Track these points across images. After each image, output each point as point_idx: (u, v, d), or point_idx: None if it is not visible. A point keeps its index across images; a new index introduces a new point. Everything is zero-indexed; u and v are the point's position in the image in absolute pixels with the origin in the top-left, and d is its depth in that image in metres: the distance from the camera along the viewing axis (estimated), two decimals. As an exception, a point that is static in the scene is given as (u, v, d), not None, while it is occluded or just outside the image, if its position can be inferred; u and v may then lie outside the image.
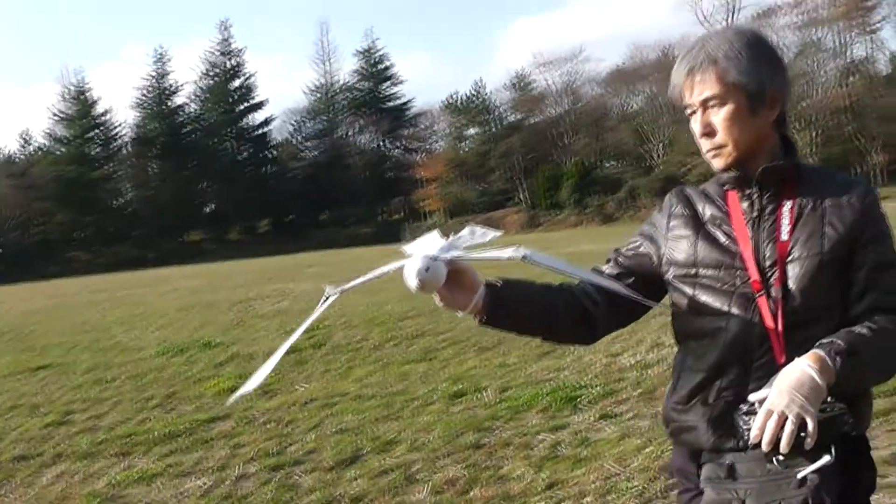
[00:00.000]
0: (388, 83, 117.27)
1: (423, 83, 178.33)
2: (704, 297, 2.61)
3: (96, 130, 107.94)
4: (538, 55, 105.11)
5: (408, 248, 2.45)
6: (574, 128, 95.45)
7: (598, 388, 9.07)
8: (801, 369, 2.29)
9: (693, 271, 2.65)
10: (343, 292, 2.43)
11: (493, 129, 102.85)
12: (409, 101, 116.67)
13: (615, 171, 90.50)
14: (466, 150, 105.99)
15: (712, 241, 2.64)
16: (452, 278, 2.38)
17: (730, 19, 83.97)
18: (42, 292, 45.42)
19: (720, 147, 2.56)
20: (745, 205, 2.61)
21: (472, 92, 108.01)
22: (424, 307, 16.51)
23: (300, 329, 2.50)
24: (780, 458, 2.30)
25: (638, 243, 2.85)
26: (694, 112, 2.59)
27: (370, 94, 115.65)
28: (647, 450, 6.88)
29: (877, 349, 2.39)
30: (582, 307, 2.72)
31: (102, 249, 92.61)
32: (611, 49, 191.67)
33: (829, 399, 2.29)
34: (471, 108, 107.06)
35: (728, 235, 2.61)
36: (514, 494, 6.42)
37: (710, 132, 2.56)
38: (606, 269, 2.85)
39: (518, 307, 2.61)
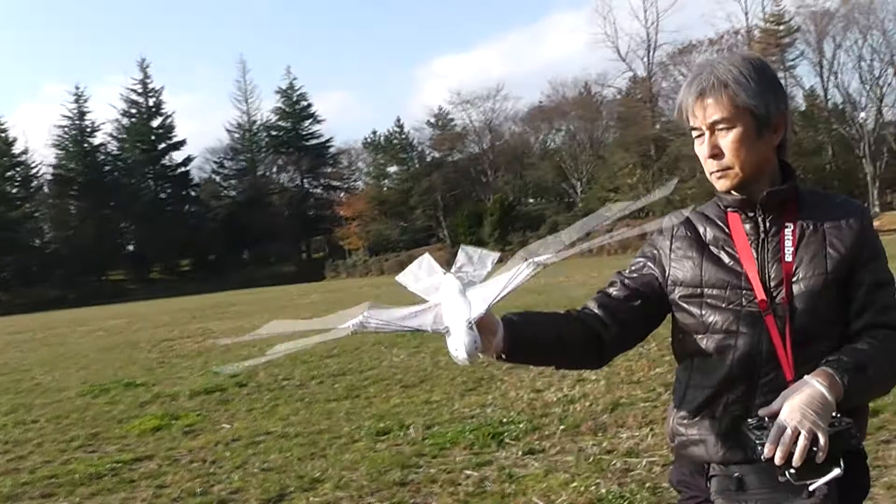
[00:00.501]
0: (309, 121, 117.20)
1: (344, 121, 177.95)
2: (712, 317, 2.66)
3: (15, 170, 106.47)
4: (456, 94, 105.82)
5: (404, 281, 2.46)
6: (495, 165, 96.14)
7: (523, 423, 9.09)
8: (812, 386, 2.38)
9: (699, 291, 2.70)
10: (365, 329, 2.29)
11: (415, 167, 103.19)
12: (329, 139, 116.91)
13: (536, 207, 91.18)
14: (388, 187, 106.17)
15: (717, 261, 2.71)
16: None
17: (649, 55, 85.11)
18: (-40, 334, 44.72)
19: (727, 169, 2.62)
20: (748, 227, 2.68)
21: (394, 129, 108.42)
22: (348, 345, 16.51)
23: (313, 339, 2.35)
24: (792, 471, 2.35)
25: (641, 264, 2.89)
26: (701, 135, 2.65)
27: (291, 133, 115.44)
28: (572, 485, 6.90)
29: (880, 365, 2.50)
30: (593, 332, 2.73)
31: (23, 290, 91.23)
32: (529, 86, 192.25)
33: (836, 414, 2.38)
34: (392, 146, 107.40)
35: (732, 256, 2.68)
36: (441, 530, 6.43)
37: (717, 154, 2.62)
38: (613, 291, 2.86)
39: (535, 340, 2.59)
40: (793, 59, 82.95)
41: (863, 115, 78.38)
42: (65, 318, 51.49)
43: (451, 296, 2.29)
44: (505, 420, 9.35)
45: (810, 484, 2.37)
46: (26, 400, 14.70)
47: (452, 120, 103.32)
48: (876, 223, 55.22)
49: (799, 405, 2.34)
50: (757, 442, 2.39)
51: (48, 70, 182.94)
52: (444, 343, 2.23)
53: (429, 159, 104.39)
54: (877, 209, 70.94)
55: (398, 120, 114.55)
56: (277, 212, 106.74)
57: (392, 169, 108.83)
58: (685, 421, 2.75)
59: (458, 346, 2.16)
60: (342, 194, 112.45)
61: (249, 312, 35.62)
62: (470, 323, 2.17)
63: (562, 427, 8.83)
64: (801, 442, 2.29)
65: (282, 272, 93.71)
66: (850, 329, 2.58)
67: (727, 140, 2.58)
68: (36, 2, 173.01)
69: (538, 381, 11.09)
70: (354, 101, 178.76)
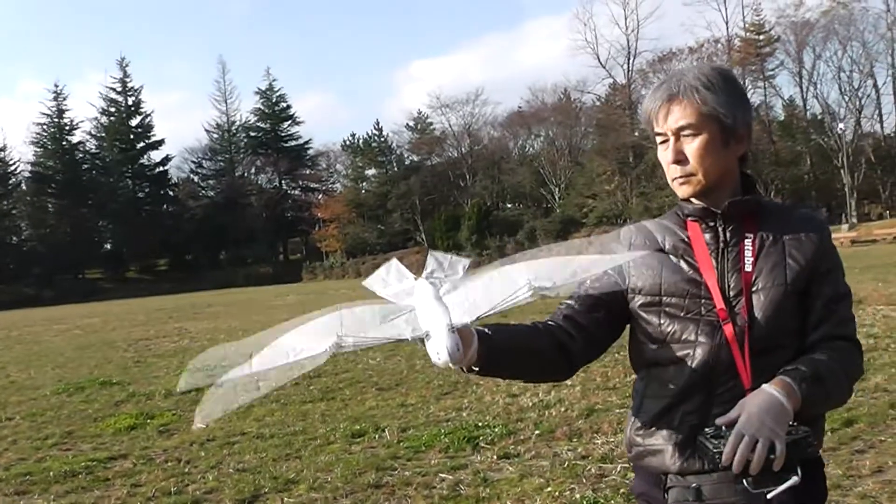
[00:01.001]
0: (288, 123, 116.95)
1: (323, 123, 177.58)
2: (671, 326, 2.65)
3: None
4: (436, 98, 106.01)
5: (372, 286, 2.45)
6: (473, 169, 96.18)
7: (499, 428, 9.10)
8: (770, 394, 2.39)
9: (658, 300, 2.69)
10: (346, 348, 2.21)
11: (393, 170, 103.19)
12: (308, 141, 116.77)
13: (514, 212, 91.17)
14: (366, 190, 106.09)
15: (676, 270, 2.68)
16: None
17: (629, 62, 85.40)
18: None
19: (690, 175, 2.62)
20: (708, 236, 2.67)
21: (373, 132, 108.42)
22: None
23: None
24: (749, 479, 2.35)
25: (601, 272, 2.77)
26: (665, 140, 2.64)
27: (269, 134, 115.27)
28: (547, 489, 6.92)
29: (837, 375, 2.52)
30: (560, 344, 2.70)
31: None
32: (509, 91, 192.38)
33: (793, 423, 2.39)
34: (370, 149, 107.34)
35: (691, 265, 2.67)
36: (415, 532, 6.43)
37: (681, 160, 2.61)
38: (576, 302, 2.82)
39: (508, 353, 2.53)
40: (772, 69, 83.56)
41: (841, 125, 78.75)
42: (41, 316, 51.29)
43: (427, 300, 2.24)
44: (480, 424, 9.36)
45: (768, 492, 2.37)
46: (1, 397, 14.64)
47: (431, 124, 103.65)
48: (853, 234, 55.58)
49: (756, 413, 2.35)
50: (714, 450, 2.39)
51: (27, 66, 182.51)
52: (420, 347, 2.19)
53: (407, 163, 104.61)
54: (854, 220, 71.26)
55: (377, 123, 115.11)
56: (255, 213, 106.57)
57: (370, 172, 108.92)
58: (642, 431, 2.74)
59: (440, 349, 2.10)
60: (320, 196, 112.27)
61: (226, 314, 35.55)
62: (451, 326, 2.12)
63: (537, 432, 8.85)
64: (759, 450, 2.29)
65: (258, 273, 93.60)
66: (808, 340, 2.60)
67: (692, 146, 2.59)
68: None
69: (514, 386, 11.08)
70: (334, 104, 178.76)
